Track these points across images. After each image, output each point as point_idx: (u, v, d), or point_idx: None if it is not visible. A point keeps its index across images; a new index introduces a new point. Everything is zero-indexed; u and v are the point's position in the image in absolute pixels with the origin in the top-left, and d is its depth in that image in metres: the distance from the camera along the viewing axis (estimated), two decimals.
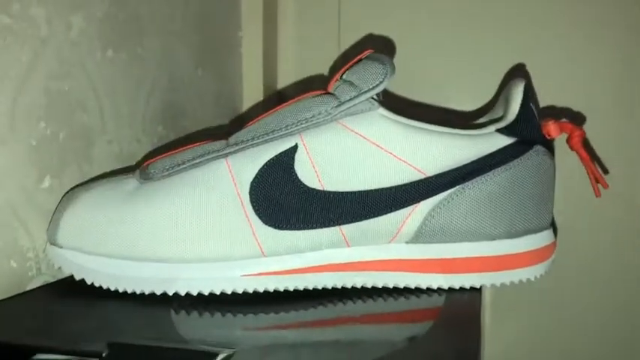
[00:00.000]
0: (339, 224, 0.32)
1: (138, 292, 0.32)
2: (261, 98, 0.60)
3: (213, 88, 0.57)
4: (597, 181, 0.36)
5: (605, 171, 0.52)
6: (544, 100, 0.54)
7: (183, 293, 0.31)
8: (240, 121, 0.60)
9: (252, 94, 0.60)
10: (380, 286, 0.33)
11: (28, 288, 0.35)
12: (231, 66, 0.60)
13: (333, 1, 0.61)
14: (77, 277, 0.33)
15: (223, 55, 0.58)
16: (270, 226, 0.32)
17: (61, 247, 0.33)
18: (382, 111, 0.32)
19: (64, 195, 0.35)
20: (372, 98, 0.32)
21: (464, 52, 0.58)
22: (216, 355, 0.23)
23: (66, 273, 0.33)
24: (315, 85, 0.35)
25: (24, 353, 0.25)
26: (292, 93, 0.62)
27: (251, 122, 0.34)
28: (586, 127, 0.36)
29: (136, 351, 0.24)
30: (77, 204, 0.33)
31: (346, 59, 0.34)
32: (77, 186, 0.36)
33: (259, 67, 0.60)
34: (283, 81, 0.63)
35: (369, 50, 0.34)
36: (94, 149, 0.40)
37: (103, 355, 0.23)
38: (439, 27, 0.59)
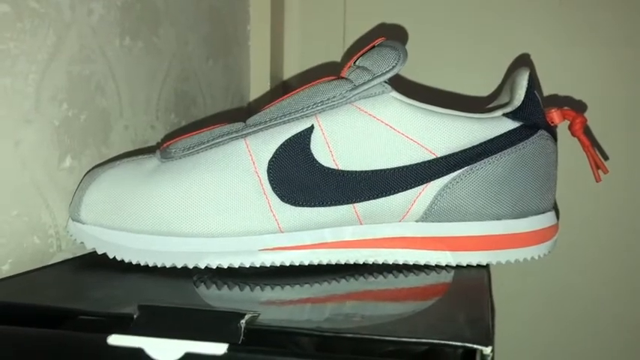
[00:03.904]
0: (353, 202, 0.33)
1: (159, 265, 0.33)
2: (268, 89, 0.62)
3: (223, 79, 0.58)
4: (597, 167, 0.38)
5: (605, 157, 0.54)
6: (547, 89, 0.56)
7: (203, 267, 0.33)
8: (248, 111, 0.62)
9: (259, 85, 0.62)
10: (390, 263, 0.35)
11: (50, 263, 0.36)
12: (240, 58, 0.61)
13: None
14: (99, 252, 0.34)
15: (233, 47, 0.60)
16: (287, 203, 0.33)
17: (83, 223, 0.34)
18: (395, 94, 0.33)
19: (86, 173, 0.36)
20: (385, 82, 0.34)
21: (470, 43, 0.60)
22: (243, 315, 0.24)
23: (88, 248, 0.34)
24: (319, 75, 0.36)
25: (57, 317, 0.27)
26: (297, 84, 0.63)
27: (268, 105, 0.35)
28: (586, 115, 0.37)
29: (167, 312, 0.25)
30: (100, 181, 0.34)
31: (358, 48, 0.35)
32: (98, 165, 0.38)
33: (266, 59, 0.62)
34: (289, 73, 0.65)
35: (382, 38, 0.36)
36: (111, 133, 0.41)
37: (135, 316, 0.25)
38: (444, 20, 0.60)
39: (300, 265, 0.34)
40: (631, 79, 0.57)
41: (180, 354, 0.23)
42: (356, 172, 0.33)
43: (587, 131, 0.37)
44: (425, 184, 0.34)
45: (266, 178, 0.33)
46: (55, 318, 0.27)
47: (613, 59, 0.57)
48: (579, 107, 0.56)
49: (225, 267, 0.33)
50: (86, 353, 0.23)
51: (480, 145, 0.34)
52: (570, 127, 0.37)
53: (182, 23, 0.50)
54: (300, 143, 0.33)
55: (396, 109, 0.33)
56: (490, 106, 0.38)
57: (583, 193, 0.57)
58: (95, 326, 0.26)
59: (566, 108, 0.37)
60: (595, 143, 0.55)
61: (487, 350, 0.22)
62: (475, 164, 0.34)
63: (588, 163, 0.38)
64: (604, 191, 0.55)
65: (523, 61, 0.57)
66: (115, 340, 0.23)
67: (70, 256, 0.37)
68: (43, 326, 0.25)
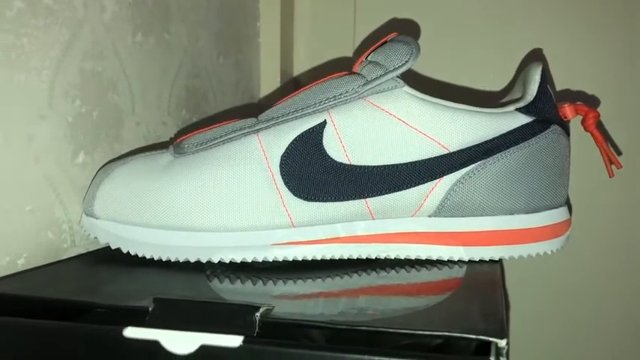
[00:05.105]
0: (365, 197, 0.33)
1: (173, 259, 0.33)
2: (278, 85, 0.62)
3: (233, 75, 0.58)
4: (611, 162, 0.38)
5: (618, 152, 0.54)
6: (560, 84, 0.55)
7: (216, 261, 0.33)
8: (258, 107, 0.62)
9: (269, 81, 0.62)
10: (403, 258, 0.35)
11: (64, 258, 0.36)
12: (250, 54, 0.61)
13: None
14: (113, 247, 0.34)
15: (243, 44, 0.60)
16: (299, 197, 0.33)
17: (97, 218, 0.34)
18: (407, 89, 0.33)
19: (100, 168, 0.36)
20: (398, 77, 0.33)
21: (483, 38, 0.60)
22: (257, 308, 0.24)
23: (102, 243, 0.35)
24: (330, 71, 0.36)
25: (74, 310, 0.27)
26: (307, 81, 0.63)
27: (280, 101, 0.35)
28: (599, 110, 0.37)
29: (182, 305, 0.25)
30: (113, 176, 0.34)
31: (370, 44, 0.35)
32: (111, 161, 0.38)
33: (276, 56, 0.62)
34: (299, 69, 0.65)
35: (394, 33, 0.36)
36: (123, 129, 0.42)
37: (150, 309, 0.25)
38: (456, 15, 0.60)
39: (312, 260, 0.34)
40: None
41: (196, 346, 0.23)
42: (368, 167, 0.33)
43: (600, 126, 0.37)
44: (437, 179, 0.34)
45: (278, 173, 0.33)
46: (71, 311, 0.27)
47: (627, 54, 0.56)
48: (592, 102, 0.56)
49: (238, 261, 0.33)
50: (103, 345, 0.24)
51: (493, 139, 0.34)
52: (583, 122, 0.37)
53: (193, 20, 0.50)
54: (312, 138, 0.33)
55: (408, 103, 0.33)
56: (503, 100, 0.38)
57: (596, 188, 0.57)
58: (110, 319, 0.26)
59: (579, 103, 0.37)
60: (608, 138, 0.55)
61: (502, 343, 0.22)
62: (488, 159, 0.34)
63: (601, 158, 0.38)
64: (617, 186, 0.55)
65: (536, 56, 0.57)
66: (131, 332, 0.23)
67: (83, 251, 0.38)
68: (60, 319, 0.25)
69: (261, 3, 0.62)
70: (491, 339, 0.22)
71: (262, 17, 0.62)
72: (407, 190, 0.33)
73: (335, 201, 0.33)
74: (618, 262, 0.59)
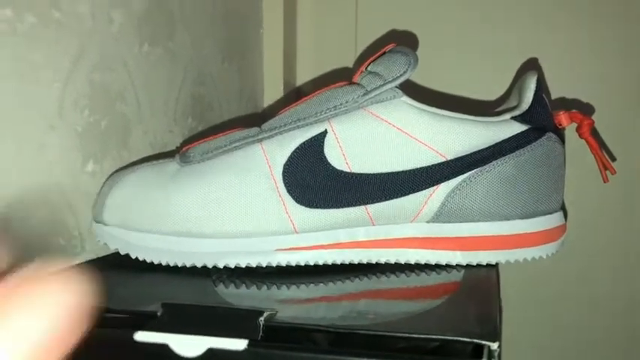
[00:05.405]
0: (365, 204, 0.34)
1: (179, 265, 0.34)
2: (281, 94, 0.63)
3: (237, 84, 0.59)
4: (605, 168, 0.39)
5: (613, 158, 0.55)
6: (555, 92, 0.56)
7: (221, 266, 0.34)
8: (262, 116, 0.63)
9: (272, 89, 0.63)
10: (402, 262, 0.36)
11: (74, 264, 0.37)
12: (253, 62, 0.63)
13: (350, 1, 0.64)
14: (122, 253, 0.35)
15: (246, 52, 0.61)
16: (301, 204, 0.34)
17: (106, 225, 0.35)
18: (406, 99, 0.34)
19: (109, 176, 0.38)
20: (396, 87, 0.35)
21: (479, 48, 0.61)
22: (262, 312, 0.25)
23: (111, 249, 0.36)
24: (332, 80, 0.37)
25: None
26: (310, 89, 0.65)
27: (282, 111, 0.36)
28: (594, 117, 0.38)
29: (189, 310, 0.26)
30: (122, 184, 0.36)
31: (369, 54, 0.37)
32: (119, 169, 0.39)
33: (279, 63, 0.63)
34: (302, 77, 0.66)
35: (392, 44, 0.37)
36: (131, 138, 0.43)
37: (159, 314, 0.26)
38: (453, 26, 0.61)
39: (314, 265, 0.35)
40: (638, 81, 0.57)
41: (203, 349, 0.24)
42: (368, 174, 0.34)
43: (595, 133, 0.38)
44: (435, 186, 0.35)
45: (281, 181, 0.34)
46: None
47: (621, 61, 0.57)
48: (587, 110, 0.56)
49: (243, 266, 0.34)
50: (114, 348, 0.25)
51: (489, 147, 0.35)
52: (578, 130, 0.38)
53: (197, 28, 0.51)
54: (313, 147, 0.34)
55: (407, 113, 0.34)
56: (499, 109, 0.39)
57: (590, 194, 0.58)
58: (119, 323, 0.27)
59: (573, 110, 0.38)
60: (602, 145, 0.56)
61: (494, 346, 0.23)
62: (485, 166, 0.35)
63: (596, 164, 0.39)
64: (611, 192, 0.56)
65: (531, 65, 0.58)
66: (142, 336, 0.24)
67: (93, 256, 0.39)
68: None
69: (264, 10, 0.63)
70: (483, 342, 0.23)
71: (265, 24, 0.63)
72: (406, 196, 0.34)
73: (336, 208, 0.34)
74: (613, 267, 0.60)
